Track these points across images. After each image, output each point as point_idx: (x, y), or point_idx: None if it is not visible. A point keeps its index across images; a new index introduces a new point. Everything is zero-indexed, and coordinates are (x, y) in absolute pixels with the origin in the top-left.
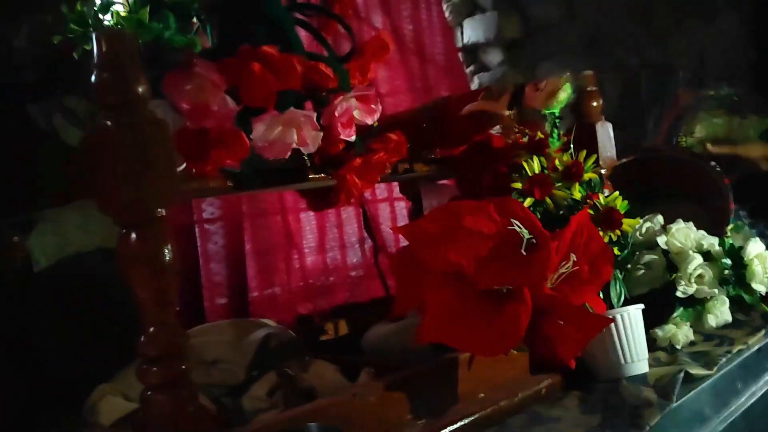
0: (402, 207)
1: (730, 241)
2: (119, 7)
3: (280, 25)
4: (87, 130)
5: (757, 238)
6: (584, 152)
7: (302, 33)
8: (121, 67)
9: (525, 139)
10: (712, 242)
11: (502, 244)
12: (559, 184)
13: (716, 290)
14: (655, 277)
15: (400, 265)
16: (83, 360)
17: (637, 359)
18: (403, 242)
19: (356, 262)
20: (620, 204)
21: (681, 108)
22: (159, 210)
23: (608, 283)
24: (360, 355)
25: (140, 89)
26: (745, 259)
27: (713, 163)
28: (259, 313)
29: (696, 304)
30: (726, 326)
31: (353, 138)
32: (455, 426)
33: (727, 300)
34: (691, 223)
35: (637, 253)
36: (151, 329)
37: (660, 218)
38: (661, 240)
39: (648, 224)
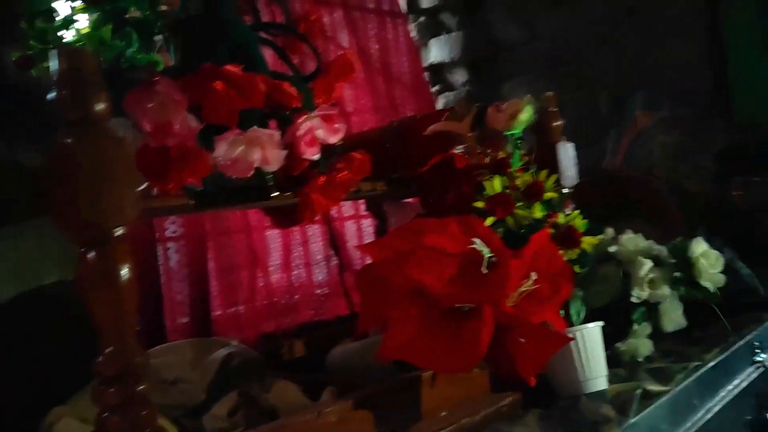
0: (368, 225)
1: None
2: (81, 24)
3: (243, 43)
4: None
5: (700, 238)
6: (545, 172)
7: (270, 52)
8: (82, 85)
9: (488, 159)
10: (660, 249)
11: (464, 263)
12: (521, 203)
13: (668, 292)
14: (612, 287)
15: (364, 283)
16: (41, 390)
17: (597, 376)
18: (368, 260)
19: (322, 280)
20: (580, 223)
21: (639, 129)
22: (118, 228)
23: (569, 301)
24: (324, 374)
25: (101, 107)
26: (691, 258)
27: (664, 183)
28: (223, 332)
29: (651, 309)
30: (683, 342)
31: (317, 157)
32: None
33: (680, 304)
34: (640, 234)
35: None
36: (109, 349)
37: (611, 230)
38: (613, 248)
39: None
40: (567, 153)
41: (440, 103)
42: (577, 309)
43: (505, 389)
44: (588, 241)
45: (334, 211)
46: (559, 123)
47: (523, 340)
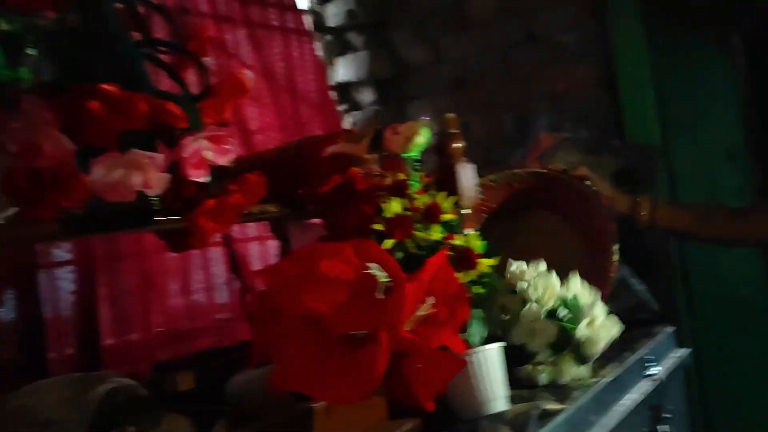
0: (274, 246)
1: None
2: None
3: (126, 60)
4: None
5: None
6: (444, 193)
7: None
8: None
9: (388, 181)
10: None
11: (359, 288)
12: (420, 225)
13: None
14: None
15: (257, 311)
16: None
17: (497, 397)
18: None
19: (223, 305)
20: (477, 244)
21: (543, 150)
22: None
23: (468, 323)
24: (220, 405)
25: None
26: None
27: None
28: (114, 363)
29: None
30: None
31: (206, 179)
32: None
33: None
34: (553, 274)
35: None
36: None
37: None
38: (520, 286)
39: (512, 268)
40: (467, 174)
41: (347, 122)
42: (476, 331)
43: (403, 416)
44: (486, 263)
45: (237, 233)
46: (459, 144)
47: (420, 365)
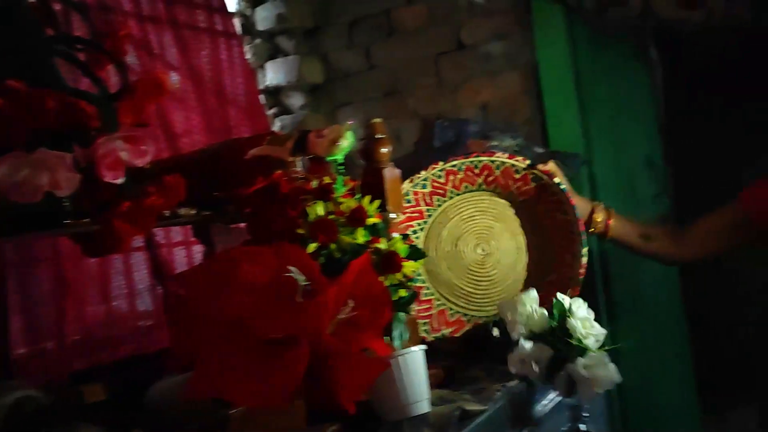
0: (199, 251)
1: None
2: None
3: (35, 57)
4: None
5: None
6: (368, 197)
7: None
8: None
9: (314, 184)
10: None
11: (279, 291)
12: (344, 229)
13: None
14: None
15: (175, 314)
16: None
17: (419, 399)
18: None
19: (145, 311)
20: (401, 248)
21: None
22: None
23: (391, 325)
24: (136, 414)
25: None
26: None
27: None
28: (26, 373)
29: None
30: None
31: (121, 180)
32: None
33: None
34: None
35: None
36: None
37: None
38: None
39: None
40: (394, 179)
41: (277, 126)
42: (399, 333)
43: (323, 420)
44: (409, 266)
45: (161, 237)
46: (386, 149)
47: (341, 368)
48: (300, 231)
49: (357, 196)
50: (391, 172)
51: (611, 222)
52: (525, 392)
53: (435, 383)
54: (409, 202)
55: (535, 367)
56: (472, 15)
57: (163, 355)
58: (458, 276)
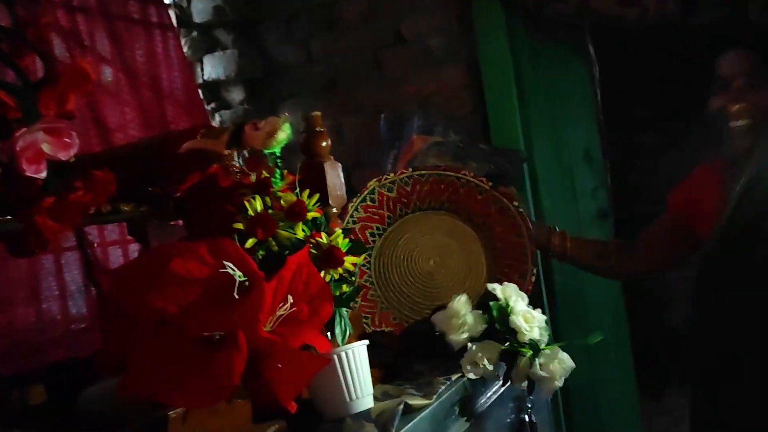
0: (135, 250)
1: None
2: None
3: None
4: None
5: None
6: (307, 191)
7: None
8: None
9: (253, 179)
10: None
11: (214, 288)
12: (283, 223)
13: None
14: None
15: (104, 316)
16: None
17: (362, 396)
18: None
19: (77, 314)
20: (342, 243)
21: (415, 152)
22: None
23: (333, 321)
24: (70, 419)
25: None
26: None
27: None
28: None
29: None
30: (449, 356)
31: (43, 175)
32: None
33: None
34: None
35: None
36: None
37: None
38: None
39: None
40: (335, 172)
41: (216, 121)
42: (341, 329)
43: (269, 418)
44: (350, 261)
45: (94, 236)
46: (326, 143)
47: (280, 365)
48: (238, 226)
49: (296, 190)
50: (331, 166)
51: (568, 244)
52: (470, 385)
53: (375, 380)
54: (373, 201)
55: (489, 366)
56: (412, 9)
57: (95, 357)
58: (408, 284)
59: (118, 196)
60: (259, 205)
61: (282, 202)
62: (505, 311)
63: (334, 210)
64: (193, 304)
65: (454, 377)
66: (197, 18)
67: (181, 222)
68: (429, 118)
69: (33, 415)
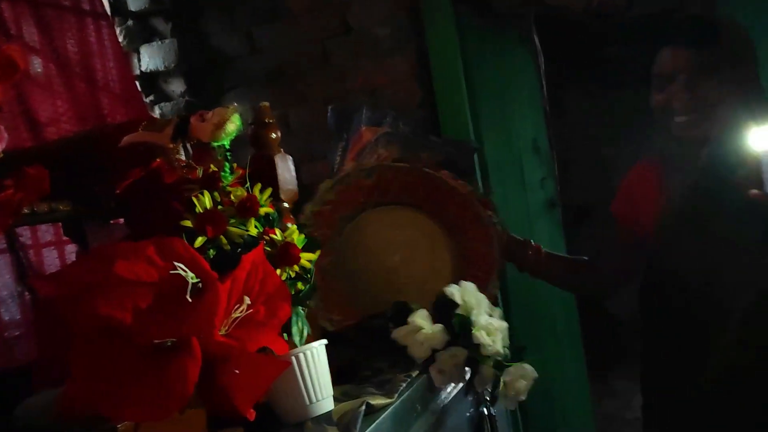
0: (72, 251)
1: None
2: None
3: None
4: None
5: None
6: (259, 185)
7: None
8: None
9: (200, 173)
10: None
11: (163, 292)
12: (234, 220)
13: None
14: None
15: (43, 323)
16: None
17: (322, 398)
18: None
19: (11, 321)
20: (298, 238)
21: (364, 144)
22: None
23: (290, 322)
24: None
25: None
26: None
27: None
28: None
29: None
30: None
31: None
32: None
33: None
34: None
35: None
36: None
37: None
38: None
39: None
40: (286, 166)
41: (156, 114)
42: (299, 329)
43: (224, 426)
44: (307, 257)
45: (26, 237)
46: (276, 135)
47: (237, 370)
48: (186, 224)
49: (246, 185)
50: (282, 159)
51: (543, 258)
52: (430, 382)
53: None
54: (348, 185)
55: (458, 370)
56: None
57: (32, 368)
58: (369, 275)
59: (52, 195)
60: (207, 201)
61: (232, 197)
62: (467, 325)
63: (286, 205)
64: (141, 309)
65: (414, 374)
66: (132, 6)
67: (122, 221)
68: (378, 110)
69: None
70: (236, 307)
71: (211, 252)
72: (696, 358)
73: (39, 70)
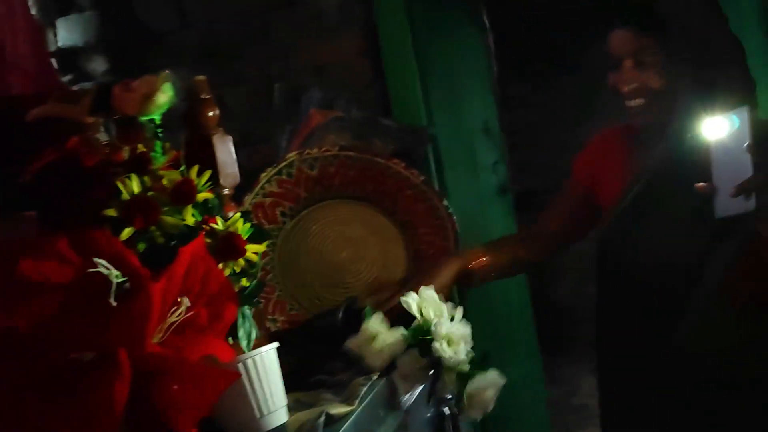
0: None
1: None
2: None
3: None
4: None
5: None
6: (196, 168)
7: None
8: None
9: (125, 154)
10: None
11: (80, 294)
12: (168, 208)
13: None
14: None
15: None
16: None
17: (275, 409)
18: None
19: None
20: (243, 228)
21: (313, 127)
22: None
23: (235, 324)
24: None
25: None
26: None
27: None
28: None
29: None
30: None
31: None
32: None
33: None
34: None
35: None
36: None
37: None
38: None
39: None
40: (226, 147)
41: None
42: (246, 331)
43: None
44: (253, 249)
45: None
46: (214, 113)
47: (177, 385)
48: (110, 213)
49: (181, 168)
50: (221, 140)
51: (488, 260)
52: (391, 384)
53: None
54: (290, 176)
55: (422, 371)
56: None
57: None
58: (313, 274)
59: None
60: (136, 186)
61: (165, 181)
62: (426, 338)
63: (227, 191)
64: (52, 317)
65: (374, 376)
66: None
67: (32, 213)
68: (329, 91)
69: None
70: (173, 309)
71: (141, 245)
72: (654, 344)
73: None
